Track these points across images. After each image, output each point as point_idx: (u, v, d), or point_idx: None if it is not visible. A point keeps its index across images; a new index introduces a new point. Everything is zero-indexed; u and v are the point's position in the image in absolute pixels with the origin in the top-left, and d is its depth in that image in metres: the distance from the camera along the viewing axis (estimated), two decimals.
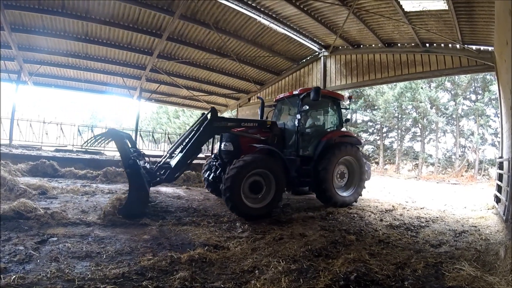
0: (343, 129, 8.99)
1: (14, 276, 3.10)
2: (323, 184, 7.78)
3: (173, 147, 8.07)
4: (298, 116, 7.97)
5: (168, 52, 15.76)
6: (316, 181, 7.84)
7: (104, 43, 14.69)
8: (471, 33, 10.31)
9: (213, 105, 14.08)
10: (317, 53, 15.72)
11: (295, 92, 8.50)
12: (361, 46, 13.99)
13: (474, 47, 10.83)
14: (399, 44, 12.74)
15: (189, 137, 7.27)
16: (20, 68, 16.71)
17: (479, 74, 23.20)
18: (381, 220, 6.74)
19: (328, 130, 8.73)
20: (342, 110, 9.08)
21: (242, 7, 11.87)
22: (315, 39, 14.47)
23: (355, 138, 8.86)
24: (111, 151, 16.75)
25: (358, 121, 33.96)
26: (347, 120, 9.25)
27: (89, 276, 3.28)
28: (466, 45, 10.82)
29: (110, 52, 15.69)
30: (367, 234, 5.50)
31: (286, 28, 13.27)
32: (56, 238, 4.46)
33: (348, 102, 9.26)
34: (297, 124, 7.99)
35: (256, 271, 3.61)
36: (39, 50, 15.38)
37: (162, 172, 6.90)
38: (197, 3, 11.74)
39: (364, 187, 8.74)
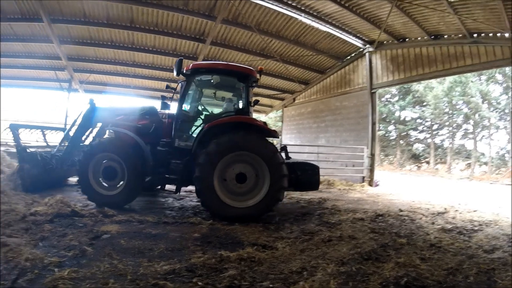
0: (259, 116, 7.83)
1: (68, 270, 3.24)
2: (198, 187, 6.19)
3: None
4: (180, 99, 6.92)
5: (212, 56, 15.92)
6: (189, 181, 6.51)
7: (150, 51, 15.17)
8: None
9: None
10: (361, 49, 15.23)
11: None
12: (407, 40, 13.39)
13: None
14: (445, 36, 12.08)
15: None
16: (70, 77, 17.56)
17: None
18: (433, 223, 6.47)
19: (223, 116, 6.96)
20: (250, 89, 7.11)
21: (282, 8, 11.81)
22: (358, 35, 14.07)
23: (258, 127, 6.61)
24: None
25: (407, 119, 32.94)
26: (256, 103, 7.56)
27: (141, 271, 3.40)
28: None
29: (156, 58, 16.15)
30: (418, 237, 5.28)
31: (328, 26, 13.03)
32: (109, 235, 4.67)
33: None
34: (177, 109, 6.90)
35: (305, 273, 3.56)
36: (88, 59, 16.23)
37: None
38: (237, 6, 11.83)
39: (279, 198, 6.38)
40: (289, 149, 15.66)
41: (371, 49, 14.64)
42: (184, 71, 6.82)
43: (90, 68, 17.45)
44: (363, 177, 13.98)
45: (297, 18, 12.59)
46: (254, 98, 7.41)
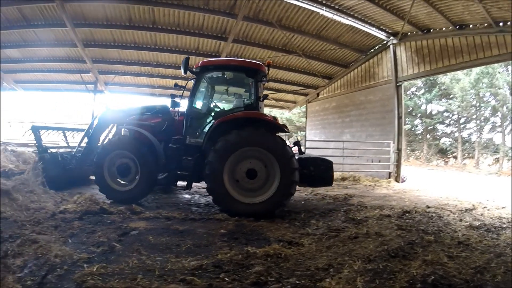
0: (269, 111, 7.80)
1: (97, 266, 3.31)
2: (209, 184, 6.27)
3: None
4: (190, 97, 7.02)
5: (234, 54, 15.97)
6: (200, 177, 6.60)
7: (173, 51, 15.41)
8: None
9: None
10: (385, 42, 14.90)
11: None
12: (431, 30, 13.02)
13: None
14: (471, 26, 11.63)
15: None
16: (95, 79, 18.14)
17: None
18: (461, 220, 6.30)
19: (234, 111, 6.91)
20: (259, 84, 7.06)
21: (303, 2, 11.74)
22: (381, 27, 13.81)
23: (267, 121, 6.58)
24: None
25: (434, 112, 32.23)
26: (265, 97, 7.30)
27: (169, 267, 3.46)
28: None
29: (180, 58, 16.27)
30: (446, 235, 5.15)
31: (350, 19, 12.86)
32: (137, 232, 4.78)
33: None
34: (187, 107, 7.00)
35: (331, 270, 3.53)
36: (112, 61, 16.69)
37: None
38: (258, 3, 11.83)
39: (291, 192, 6.34)
40: (313, 145, 15.67)
41: (395, 41, 14.29)
42: (194, 69, 6.97)
43: (114, 69, 17.88)
44: (390, 173, 13.75)
45: (319, 12, 12.43)
46: (263, 93, 7.36)
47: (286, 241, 4.54)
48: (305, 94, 21.19)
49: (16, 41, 14.62)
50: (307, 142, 16.93)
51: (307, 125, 21.59)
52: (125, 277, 3.16)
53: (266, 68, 7.09)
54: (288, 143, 6.86)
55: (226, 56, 15.11)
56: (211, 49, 15.49)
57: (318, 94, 20.35)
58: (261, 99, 7.01)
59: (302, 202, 7.97)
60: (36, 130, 7.86)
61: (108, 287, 2.96)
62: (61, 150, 8.35)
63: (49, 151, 7.74)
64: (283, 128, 6.73)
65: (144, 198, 6.97)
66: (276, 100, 22.17)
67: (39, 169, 6.96)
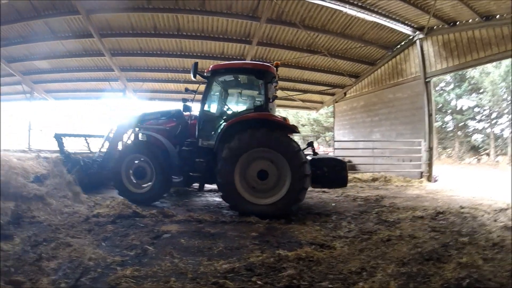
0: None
1: (130, 269, 3.40)
2: (219, 182, 6.38)
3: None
4: (202, 100, 7.22)
5: (259, 56, 16.02)
6: (212, 179, 6.72)
7: (198, 56, 15.56)
8: None
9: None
10: (411, 37, 14.46)
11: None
12: (457, 23, 12.58)
13: None
14: (497, 16, 11.17)
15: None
16: (124, 86, 18.69)
17: None
18: (495, 220, 6.05)
19: (244, 113, 7.13)
20: (269, 85, 7.03)
21: (326, 1, 11.65)
22: (406, 22, 13.45)
23: (276, 122, 6.62)
24: None
25: (464, 108, 31.35)
26: (274, 98, 7.34)
27: (201, 270, 3.49)
28: None
29: (205, 63, 16.41)
30: (481, 236, 4.96)
31: (374, 15, 12.63)
32: (169, 235, 4.85)
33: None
34: (199, 110, 7.20)
35: (364, 273, 3.49)
36: (139, 69, 17.16)
37: None
38: (280, 5, 11.83)
39: (299, 199, 6.32)
40: (342, 145, 15.52)
41: (421, 36, 13.86)
42: (205, 73, 7.21)
43: (142, 77, 18.30)
44: (421, 172, 13.35)
45: (342, 11, 12.34)
46: (274, 94, 7.48)
47: (318, 244, 4.51)
48: (332, 94, 20.95)
49: (45, 53, 15.32)
50: (336, 142, 16.72)
51: (335, 125, 21.28)
52: (158, 279, 3.22)
53: (275, 69, 7.15)
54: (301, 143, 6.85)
55: (251, 59, 15.19)
56: (236, 53, 15.61)
57: (345, 94, 20.05)
58: (271, 100, 7.03)
59: (333, 204, 7.89)
60: (58, 137, 8.34)
61: None
62: (82, 156, 8.73)
63: (71, 157, 8.14)
64: (292, 128, 6.75)
65: (159, 199, 7.36)
66: (303, 101, 22.00)
67: (71, 174, 7.28)
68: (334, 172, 6.93)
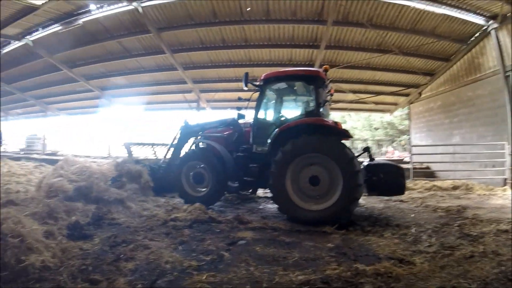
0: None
1: (206, 274, 3.43)
2: (271, 185, 6.38)
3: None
4: (256, 108, 7.41)
5: (328, 60, 15.76)
6: (264, 183, 6.76)
7: (267, 64, 15.85)
8: None
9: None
10: (485, 27, 13.09)
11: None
12: None
13: None
14: None
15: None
16: (197, 98, 19.75)
17: None
18: None
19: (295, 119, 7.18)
20: (320, 90, 6.96)
21: None
22: (478, 11, 12.30)
23: (327, 127, 6.50)
24: None
25: None
26: (325, 102, 7.23)
27: (276, 279, 3.39)
28: None
29: (272, 71, 16.69)
30: None
31: (443, 7, 11.90)
32: (245, 241, 4.84)
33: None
34: (253, 118, 7.42)
35: None
36: (211, 80, 18.05)
37: None
38: (345, 5, 11.67)
39: (356, 197, 6.09)
40: (419, 150, 14.71)
41: (495, 25, 12.46)
42: (258, 82, 7.49)
43: (214, 87, 19.06)
44: (505, 179, 11.84)
45: (410, 6, 11.86)
46: (326, 98, 7.48)
47: (397, 258, 4.21)
48: (406, 95, 19.81)
49: (121, 70, 17.09)
50: (413, 147, 15.84)
51: (411, 128, 20.15)
52: (234, 287, 3.22)
53: (325, 74, 7.17)
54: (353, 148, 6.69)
55: (320, 64, 14.98)
56: (304, 58, 15.60)
57: (420, 93, 18.83)
58: (322, 104, 6.96)
59: (412, 215, 7.43)
60: (127, 146, 9.35)
61: None
62: (149, 162, 9.55)
63: (140, 164, 8.89)
64: (345, 132, 6.59)
65: (216, 203, 7.69)
66: (376, 103, 21.21)
67: (150, 181, 8.17)
68: (390, 178, 6.73)
